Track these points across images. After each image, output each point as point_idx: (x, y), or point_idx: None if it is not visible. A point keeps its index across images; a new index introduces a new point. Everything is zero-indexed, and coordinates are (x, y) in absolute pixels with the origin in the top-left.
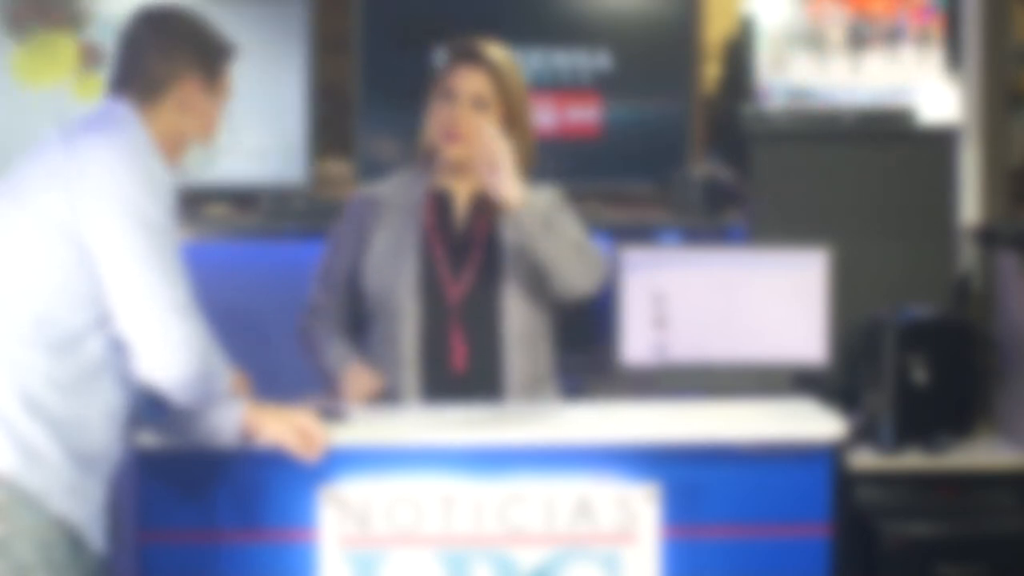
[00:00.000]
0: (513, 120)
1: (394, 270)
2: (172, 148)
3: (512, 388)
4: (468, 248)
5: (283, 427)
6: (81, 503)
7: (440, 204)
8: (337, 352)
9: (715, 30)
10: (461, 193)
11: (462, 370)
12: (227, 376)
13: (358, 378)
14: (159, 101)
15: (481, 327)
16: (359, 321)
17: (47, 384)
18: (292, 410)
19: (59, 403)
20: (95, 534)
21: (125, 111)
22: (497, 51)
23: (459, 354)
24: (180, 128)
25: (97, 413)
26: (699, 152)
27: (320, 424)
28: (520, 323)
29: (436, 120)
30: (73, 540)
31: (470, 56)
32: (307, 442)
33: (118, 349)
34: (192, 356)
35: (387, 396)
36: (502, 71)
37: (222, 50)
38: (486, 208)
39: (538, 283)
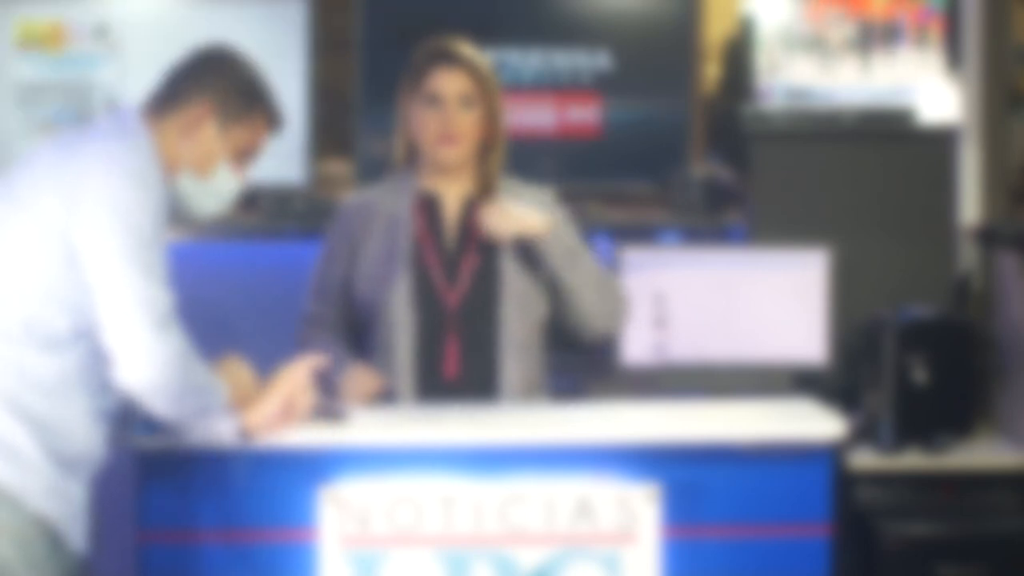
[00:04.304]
0: (495, 117)
1: (387, 280)
2: (165, 169)
3: (507, 394)
4: (462, 253)
5: (275, 425)
6: (60, 503)
7: (430, 209)
8: (335, 357)
9: (715, 30)
10: (450, 196)
11: (453, 376)
12: (221, 390)
13: (357, 379)
14: (167, 116)
15: (478, 332)
16: (355, 328)
17: (31, 385)
18: (277, 382)
19: (42, 404)
20: (75, 534)
21: (131, 118)
22: (473, 50)
23: (451, 360)
24: (176, 151)
25: (80, 415)
26: (699, 152)
27: (306, 392)
28: (517, 328)
29: (424, 124)
30: (52, 539)
31: (449, 57)
32: (291, 413)
33: (102, 355)
34: (169, 369)
35: (383, 402)
36: (481, 69)
37: (255, 99)
38: (476, 210)
39: (536, 288)
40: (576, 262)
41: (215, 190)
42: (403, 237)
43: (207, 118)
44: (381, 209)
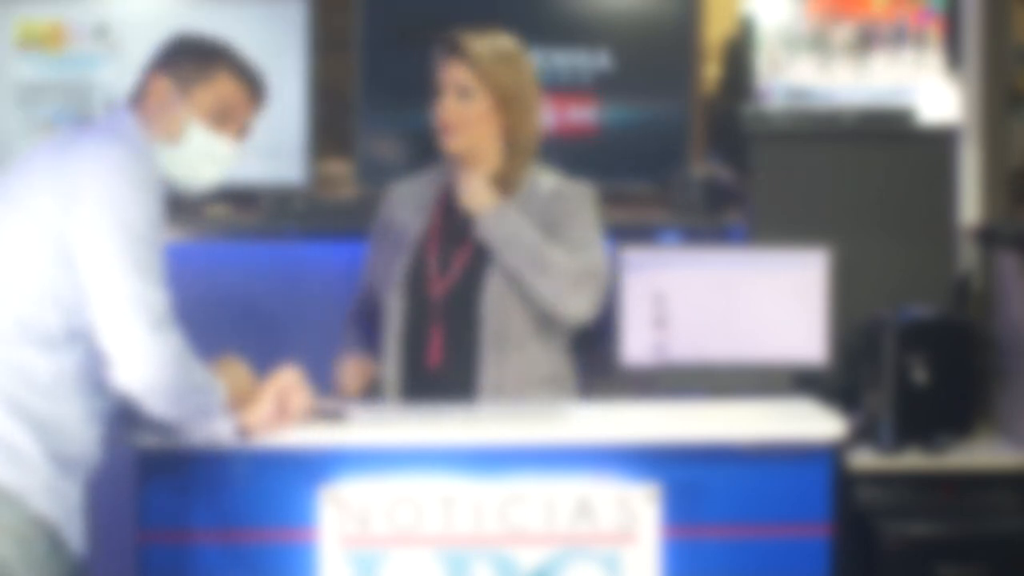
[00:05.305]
0: (505, 108)
1: (390, 266)
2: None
3: (488, 388)
4: (459, 245)
5: (272, 425)
6: (59, 503)
7: (448, 201)
8: (347, 347)
9: (715, 30)
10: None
11: (436, 366)
12: (218, 390)
13: (346, 368)
14: (139, 108)
15: (460, 324)
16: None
17: (29, 385)
18: (270, 382)
19: (41, 404)
20: (73, 534)
21: (128, 122)
22: (482, 41)
23: (434, 350)
24: (149, 126)
25: (78, 415)
26: (699, 152)
27: (300, 391)
28: (500, 321)
29: (434, 117)
30: (51, 539)
31: (450, 49)
32: (286, 413)
33: (98, 356)
34: (166, 370)
35: (373, 390)
36: (482, 59)
37: (206, 60)
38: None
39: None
40: (514, 247)
41: (197, 153)
42: (416, 225)
43: (164, 89)
44: (409, 199)
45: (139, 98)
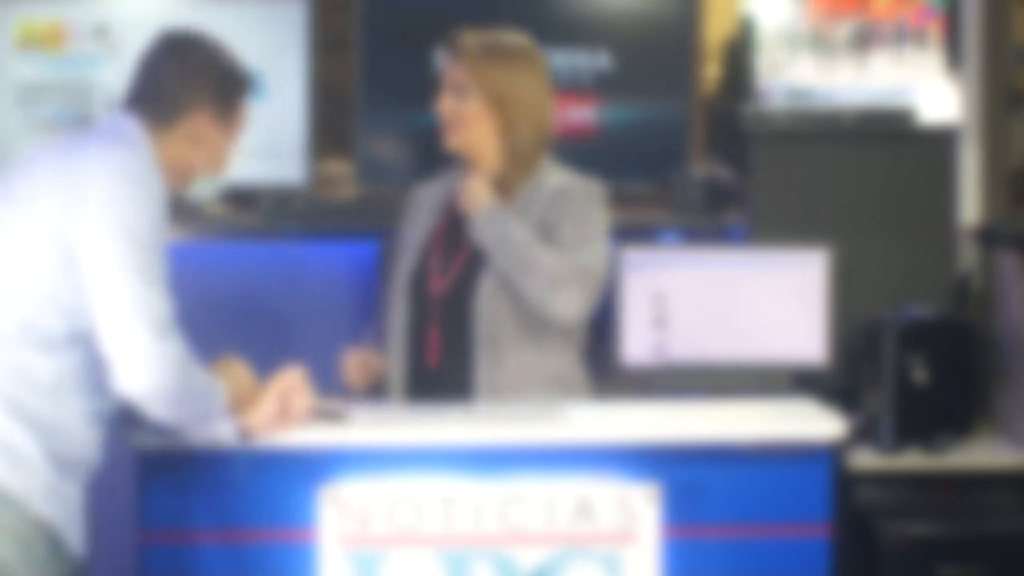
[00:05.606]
0: (498, 107)
1: (399, 265)
2: (179, 177)
3: (483, 388)
4: (460, 244)
5: (273, 426)
6: (60, 505)
7: (455, 201)
8: (361, 340)
9: (715, 30)
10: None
11: (435, 365)
12: (219, 394)
13: (351, 362)
14: (170, 129)
15: (456, 324)
16: None
17: (30, 386)
18: (272, 384)
19: (41, 405)
20: (74, 536)
21: (132, 128)
22: (478, 39)
23: (433, 349)
24: (189, 159)
25: (78, 417)
26: (699, 152)
27: (302, 392)
28: (493, 322)
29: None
30: (52, 540)
31: (450, 46)
32: (288, 414)
33: (99, 358)
34: (169, 377)
35: (379, 387)
36: (474, 57)
37: (239, 83)
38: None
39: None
40: (504, 249)
41: (223, 176)
42: (428, 224)
43: (208, 123)
44: (425, 200)
45: (170, 120)
